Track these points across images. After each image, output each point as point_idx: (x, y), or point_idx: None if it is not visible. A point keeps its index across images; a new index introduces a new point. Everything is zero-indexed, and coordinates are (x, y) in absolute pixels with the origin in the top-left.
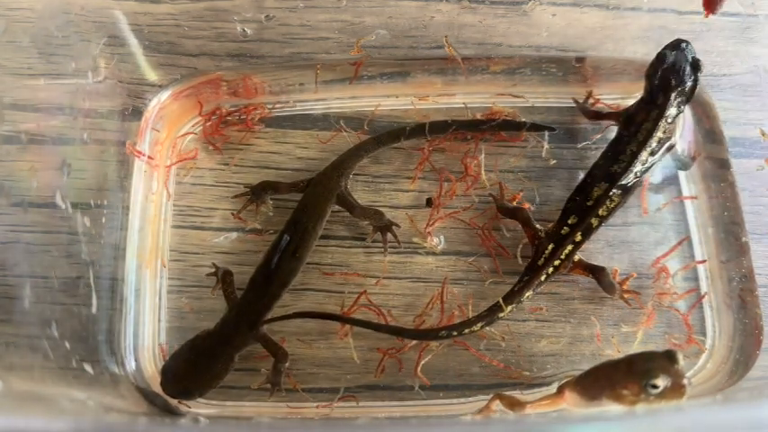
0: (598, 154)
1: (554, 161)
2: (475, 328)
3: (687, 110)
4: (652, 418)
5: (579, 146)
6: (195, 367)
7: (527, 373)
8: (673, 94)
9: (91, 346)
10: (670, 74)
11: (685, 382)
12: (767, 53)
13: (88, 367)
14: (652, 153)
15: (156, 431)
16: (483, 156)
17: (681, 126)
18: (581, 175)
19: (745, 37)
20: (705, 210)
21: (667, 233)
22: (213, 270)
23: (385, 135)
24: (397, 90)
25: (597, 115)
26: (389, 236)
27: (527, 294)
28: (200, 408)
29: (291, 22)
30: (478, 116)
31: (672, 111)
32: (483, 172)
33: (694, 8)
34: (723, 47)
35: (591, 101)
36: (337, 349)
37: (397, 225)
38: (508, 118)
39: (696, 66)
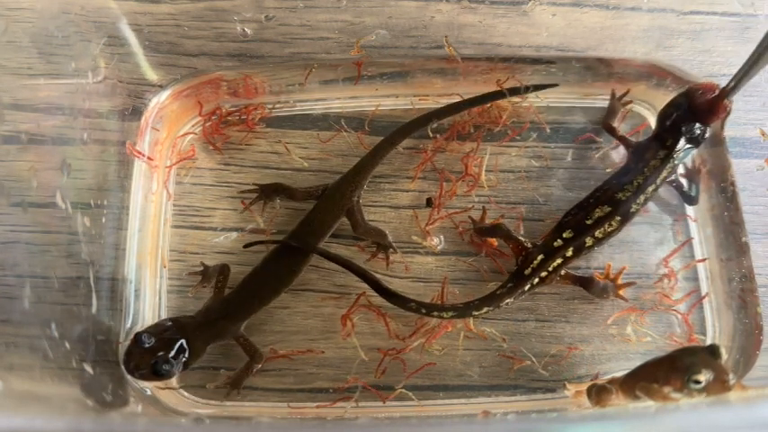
0: (598, 154)
1: (554, 161)
2: (444, 315)
3: None
4: (652, 418)
5: (579, 146)
6: (170, 345)
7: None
8: (682, 140)
9: (91, 346)
10: (682, 121)
11: (729, 376)
12: None
13: (88, 367)
14: (656, 188)
15: (156, 431)
16: (487, 155)
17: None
18: (581, 175)
19: (746, 37)
20: (705, 210)
21: (667, 233)
22: (201, 269)
23: (397, 133)
24: (397, 90)
25: (612, 130)
26: (383, 253)
27: (507, 301)
28: (200, 408)
29: (291, 22)
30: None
31: (680, 154)
32: (484, 172)
33: (694, 8)
34: (723, 47)
35: (627, 98)
36: (337, 349)
37: (395, 249)
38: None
39: None
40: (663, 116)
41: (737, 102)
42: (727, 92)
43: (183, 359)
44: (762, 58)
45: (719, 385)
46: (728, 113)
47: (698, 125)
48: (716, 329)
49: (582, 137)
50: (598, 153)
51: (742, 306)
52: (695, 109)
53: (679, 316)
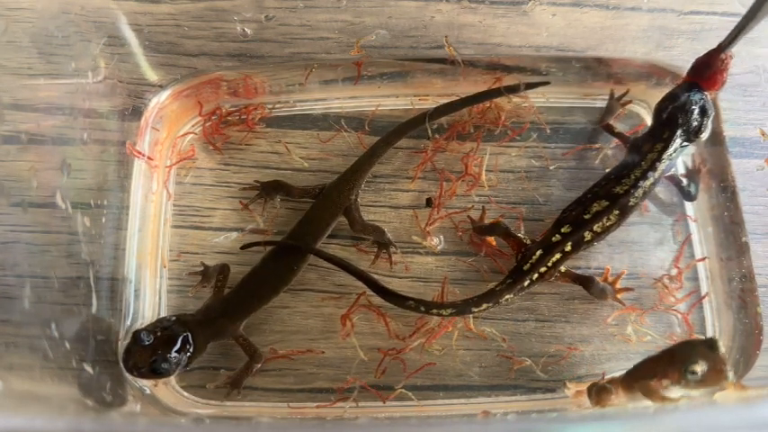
0: (598, 155)
1: (554, 161)
2: (443, 312)
3: None
4: (652, 418)
5: (579, 146)
6: (169, 343)
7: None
8: (678, 131)
9: (91, 346)
10: (678, 112)
11: (726, 366)
12: (767, 53)
13: (88, 367)
14: (654, 183)
15: (156, 431)
16: (487, 156)
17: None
18: (581, 175)
19: (746, 37)
20: (705, 209)
21: (667, 233)
22: (201, 269)
23: (393, 132)
24: (397, 90)
25: (610, 128)
26: (384, 252)
27: (506, 297)
28: (200, 408)
29: (291, 22)
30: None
31: (676, 147)
32: (484, 172)
33: (694, 8)
34: None
35: (626, 98)
36: (337, 349)
37: (395, 246)
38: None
39: (704, 111)
40: (659, 110)
41: (737, 101)
42: (724, 46)
43: (183, 357)
44: (757, 14)
45: (716, 375)
46: (727, 71)
47: (695, 117)
48: (716, 329)
49: (571, 151)
50: (599, 155)
51: (742, 306)
52: (694, 71)
53: (679, 316)
